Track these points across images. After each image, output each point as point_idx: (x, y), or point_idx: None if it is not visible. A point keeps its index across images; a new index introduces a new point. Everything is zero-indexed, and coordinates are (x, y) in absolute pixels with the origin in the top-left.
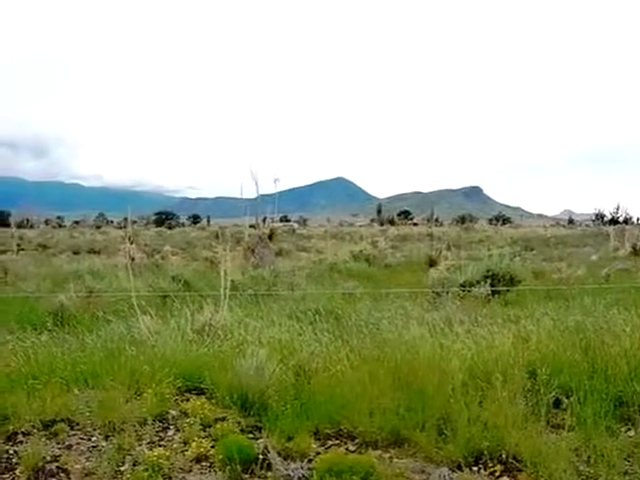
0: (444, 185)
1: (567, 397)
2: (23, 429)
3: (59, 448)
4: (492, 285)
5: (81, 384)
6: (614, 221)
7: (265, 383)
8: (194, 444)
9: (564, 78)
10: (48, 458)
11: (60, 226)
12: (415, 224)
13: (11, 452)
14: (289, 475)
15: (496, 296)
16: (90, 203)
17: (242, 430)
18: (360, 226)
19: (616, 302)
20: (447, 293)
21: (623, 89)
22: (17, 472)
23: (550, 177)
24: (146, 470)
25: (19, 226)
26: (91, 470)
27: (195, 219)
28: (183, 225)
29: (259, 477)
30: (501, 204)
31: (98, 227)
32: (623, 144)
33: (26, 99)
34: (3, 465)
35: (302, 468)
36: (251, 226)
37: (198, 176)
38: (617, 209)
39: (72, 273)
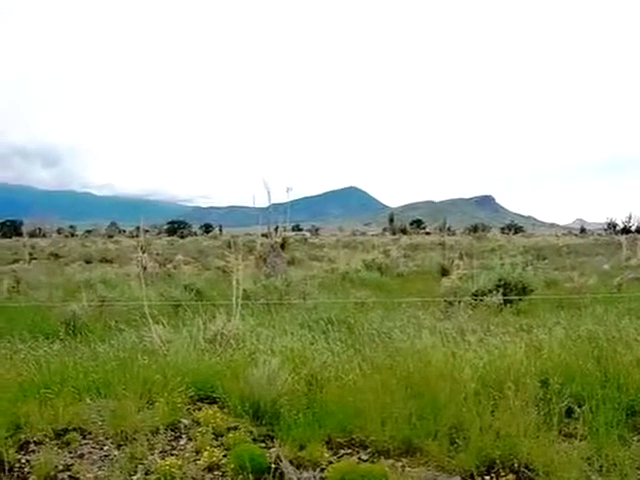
0: (456, 194)
1: (579, 406)
2: (35, 438)
3: (71, 457)
4: (504, 294)
5: (93, 393)
6: (626, 230)
7: (277, 392)
8: (206, 453)
9: (577, 87)
10: (60, 467)
11: (72, 235)
12: (427, 233)
13: (23, 461)
14: None
15: (508, 305)
16: (102, 212)
17: (254, 439)
18: (372, 235)
19: (628, 311)
20: (459, 302)
21: (636, 98)
22: None
23: (562, 186)
24: (158, 479)
25: (31, 235)
26: (103, 479)
27: (207, 228)
28: (195, 234)
29: None
30: (513, 213)
31: (110, 236)
32: (636, 153)
33: (38, 108)
34: (15, 474)
35: (314, 477)
36: (263, 235)
37: (210, 185)
38: (629, 218)
39: (84, 282)
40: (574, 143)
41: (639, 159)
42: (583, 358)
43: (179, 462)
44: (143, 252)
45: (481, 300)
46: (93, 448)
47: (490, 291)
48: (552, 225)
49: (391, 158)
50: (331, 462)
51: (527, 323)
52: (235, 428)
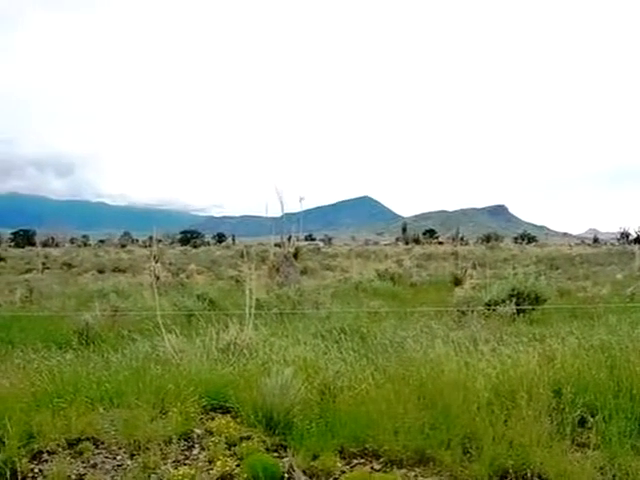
0: (469, 204)
1: (592, 416)
2: (48, 448)
3: (84, 467)
4: (517, 304)
5: (106, 403)
6: (639, 240)
7: (290, 402)
8: (219, 463)
9: (591, 96)
10: (73, 477)
11: (85, 245)
12: (440, 243)
13: (36, 471)
14: None
15: (521, 315)
16: (115, 222)
17: (267, 449)
18: (385, 245)
19: None
20: (472, 312)
21: None
22: None
23: (575, 196)
24: None
25: (44, 245)
26: None
27: (220, 238)
28: (208, 244)
29: None
30: (526, 223)
31: (123, 246)
32: None
33: (51, 118)
34: None
35: None
36: (276, 245)
37: (224, 195)
38: None
39: (97, 292)
40: (587, 153)
41: None
42: (596, 368)
43: (192, 472)
44: (156, 262)
45: (494, 310)
46: (106, 458)
47: (503, 301)
48: (565, 235)
49: (404, 168)
50: (344, 472)
51: (540, 333)
52: (248, 438)
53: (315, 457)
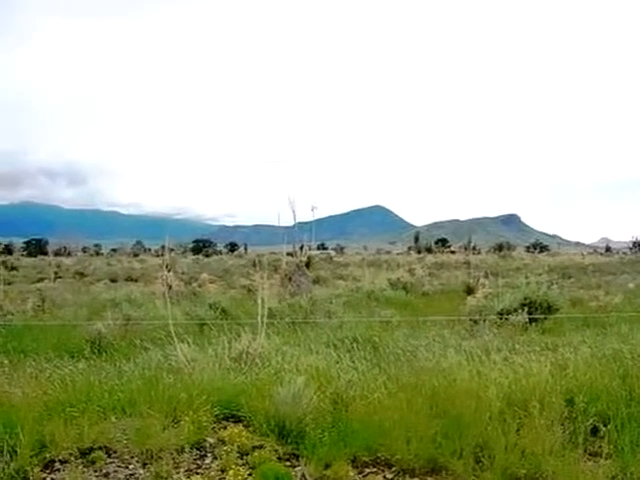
0: (481, 213)
1: (604, 425)
2: (60, 457)
3: (96, 476)
4: (529, 313)
5: (118, 412)
6: None
7: (302, 411)
8: (231, 472)
9: (603, 105)
10: None
11: (97, 254)
12: (452, 252)
13: None
14: None
15: (533, 324)
16: (128, 231)
17: (279, 458)
18: (397, 254)
19: None
20: (484, 321)
21: None
22: None
23: (588, 205)
24: None
25: (57, 254)
26: None
27: (232, 247)
28: (220, 253)
29: None
30: (539, 232)
31: (136, 255)
32: None
33: (63, 127)
34: None
35: None
36: (288, 254)
37: (236, 204)
38: None
39: (109, 301)
40: (600, 162)
41: None
42: (608, 377)
43: None
44: (168, 271)
45: (506, 319)
46: (118, 467)
47: (515, 310)
48: (577, 244)
49: (416, 177)
50: None
51: (552, 342)
52: (260, 447)
53: (327, 466)
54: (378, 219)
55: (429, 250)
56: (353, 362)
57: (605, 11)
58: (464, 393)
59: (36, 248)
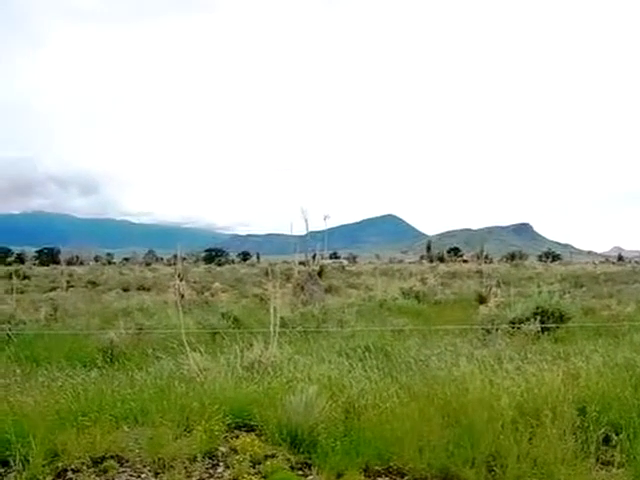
0: (493, 222)
1: (617, 434)
2: (73, 466)
3: None
4: (542, 322)
5: (130, 421)
6: None
7: (315, 420)
8: None
9: (615, 114)
10: None
11: (110, 263)
12: (465, 261)
13: None
14: None
15: (546, 333)
16: (140, 240)
17: (292, 467)
18: (410, 263)
19: None
20: (497, 330)
21: None
22: None
23: (600, 214)
24: None
25: (69, 263)
26: None
27: (245, 256)
28: (233, 262)
29: None
30: (551, 241)
31: (148, 264)
32: None
33: (73, 135)
34: None
35: None
36: (301, 263)
37: (249, 213)
38: None
39: (121, 310)
40: (612, 171)
41: None
42: (621, 386)
43: None
44: (180, 280)
45: (519, 328)
46: (130, 476)
47: (527, 319)
48: (590, 253)
49: (429, 186)
50: None
51: (564, 351)
52: (272, 456)
53: (340, 475)
54: (390, 228)
55: (441, 259)
56: (365, 371)
57: (619, 15)
58: (476, 402)
59: (48, 257)
